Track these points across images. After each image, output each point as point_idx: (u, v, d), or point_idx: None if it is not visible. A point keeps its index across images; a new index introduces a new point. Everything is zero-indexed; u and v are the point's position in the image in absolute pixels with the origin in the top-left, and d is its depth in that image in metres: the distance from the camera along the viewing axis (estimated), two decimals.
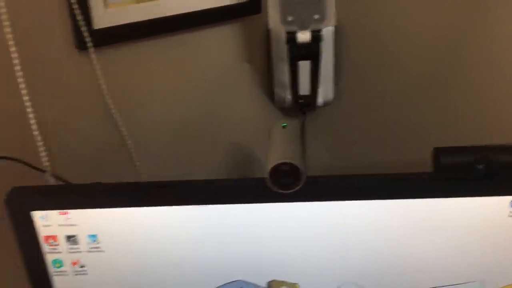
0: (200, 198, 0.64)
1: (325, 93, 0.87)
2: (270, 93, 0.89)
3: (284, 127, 0.67)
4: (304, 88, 0.83)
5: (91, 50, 0.71)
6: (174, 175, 0.84)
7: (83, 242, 0.67)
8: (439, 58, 0.87)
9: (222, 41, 0.84)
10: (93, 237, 0.66)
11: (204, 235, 0.66)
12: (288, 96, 0.86)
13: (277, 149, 0.62)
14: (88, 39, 0.70)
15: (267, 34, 0.83)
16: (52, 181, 0.69)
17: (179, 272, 0.68)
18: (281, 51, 0.80)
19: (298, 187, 0.60)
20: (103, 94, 0.75)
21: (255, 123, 0.90)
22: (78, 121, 0.76)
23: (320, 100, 0.86)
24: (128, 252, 0.67)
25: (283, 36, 0.74)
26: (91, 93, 0.75)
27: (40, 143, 0.66)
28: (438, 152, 0.60)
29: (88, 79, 0.74)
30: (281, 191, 0.60)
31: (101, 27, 0.72)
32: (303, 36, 0.72)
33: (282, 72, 0.84)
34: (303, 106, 0.87)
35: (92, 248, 0.67)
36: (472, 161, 0.58)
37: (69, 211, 0.65)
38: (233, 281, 0.68)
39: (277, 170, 0.59)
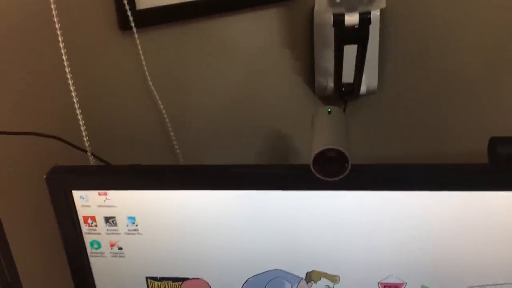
0: (240, 183, 0.62)
1: (368, 81, 0.84)
2: (311, 81, 0.87)
3: (329, 112, 0.64)
4: (348, 75, 0.80)
5: (134, 30, 0.70)
6: (212, 160, 0.83)
7: (122, 224, 0.66)
8: (492, 47, 0.82)
9: (264, 25, 0.82)
10: (132, 219, 0.66)
11: (243, 222, 0.64)
12: (330, 83, 0.83)
13: (322, 134, 0.60)
14: (131, 19, 0.69)
15: (311, 18, 0.80)
16: (92, 161, 0.69)
17: (216, 258, 0.67)
18: (326, 35, 0.78)
19: (344, 174, 0.57)
20: (144, 75, 0.74)
21: (294, 111, 0.88)
22: (120, 102, 0.75)
23: (363, 88, 0.83)
24: (166, 235, 0.66)
25: (329, 19, 0.71)
26: (133, 74, 0.74)
27: (82, 123, 0.65)
28: (495, 142, 0.56)
29: (130, 59, 0.73)
30: (325, 178, 0.58)
31: (144, 7, 0.71)
32: (351, 19, 0.69)
33: (325, 58, 0.81)
34: (346, 94, 0.83)
35: (130, 230, 0.66)
36: None
37: (108, 192, 0.65)
38: (270, 270, 0.67)
39: (322, 156, 0.56)
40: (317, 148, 0.56)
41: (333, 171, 0.57)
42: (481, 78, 0.84)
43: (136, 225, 0.66)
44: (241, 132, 0.87)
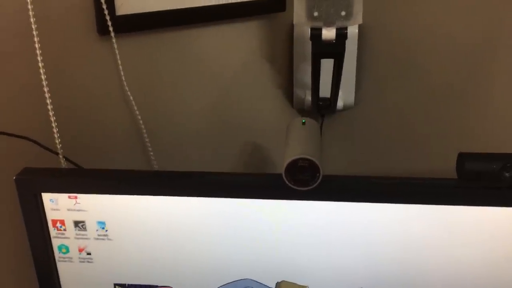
0: (212, 190, 0.62)
1: (345, 96, 0.85)
2: (289, 94, 0.88)
3: (304, 123, 0.65)
4: (325, 89, 0.81)
5: (112, 35, 0.70)
6: (187, 169, 0.83)
7: (91, 229, 0.65)
8: (467, 66, 0.84)
9: (245, 38, 0.82)
10: (102, 224, 0.65)
11: (213, 230, 0.64)
12: (308, 97, 0.84)
13: (295, 144, 0.60)
14: (110, 24, 0.69)
15: (291, 31, 0.81)
16: (64, 164, 0.68)
17: (186, 266, 0.66)
18: (304, 48, 0.79)
19: (315, 184, 0.58)
20: (121, 80, 0.74)
21: (272, 123, 0.89)
22: (95, 106, 0.75)
23: (340, 103, 0.85)
24: (136, 242, 0.65)
25: (307, 33, 0.72)
26: (109, 78, 0.74)
27: (54, 124, 0.65)
28: (463, 158, 0.57)
29: (107, 64, 0.73)
30: (297, 187, 0.58)
31: (124, 13, 0.71)
32: (328, 33, 0.71)
33: (304, 72, 0.82)
34: (323, 108, 0.85)
35: (100, 235, 0.66)
36: (499, 168, 0.56)
37: (78, 195, 0.64)
38: (240, 280, 0.66)
39: (294, 165, 0.57)
40: (290, 157, 0.57)
41: (304, 181, 0.58)
42: (458, 95, 0.86)
43: (106, 230, 0.65)
44: (217, 143, 0.87)
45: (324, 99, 0.83)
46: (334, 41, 0.71)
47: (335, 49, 0.72)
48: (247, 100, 0.87)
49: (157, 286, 0.68)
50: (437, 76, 0.86)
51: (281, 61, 0.85)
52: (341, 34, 0.70)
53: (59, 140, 0.66)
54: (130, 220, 0.64)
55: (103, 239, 0.66)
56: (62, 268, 0.68)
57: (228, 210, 0.63)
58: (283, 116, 0.89)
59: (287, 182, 0.58)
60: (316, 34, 0.71)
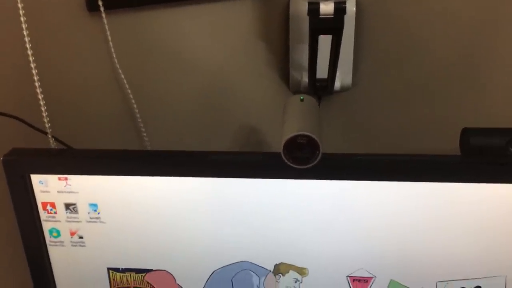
0: (207, 170, 0.60)
1: (342, 77, 0.83)
2: (285, 75, 0.85)
3: (302, 100, 0.63)
4: (322, 69, 0.79)
5: (102, 10, 0.67)
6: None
7: (83, 212, 0.63)
8: (469, 43, 0.82)
9: (238, 16, 0.80)
10: (94, 206, 0.63)
11: (209, 211, 0.62)
12: (304, 78, 0.82)
13: (293, 121, 0.58)
14: (99, 0, 0.67)
15: (286, 9, 0.79)
16: (53, 144, 0.66)
17: (181, 249, 0.64)
18: (300, 27, 0.76)
19: (314, 162, 0.56)
20: (112, 59, 0.71)
21: (267, 105, 0.86)
22: (85, 84, 0.73)
23: (337, 84, 0.82)
24: (130, 224, 0.63)
25: (303, 10, 0.70)
26: (100, 56, 0.72)
27: (42, 103, 0.62)
28: (467, 133, 0.56)
29: (97, 42, 0.71)
30: (295, 166, 0.56)
31: None
32: (326, 8, 0.68)
33: (300, 52, 0.80)
34: (320, 90, 0.82)
35: (92, 218, 0.63)
36: (504, 143, 0.54)
37: (69, 176, 0.62)
38: (237, 262, 0.65)
39: (293, 143, 0.55)
40: (288, 134, 0.55)
41: (303, 159, 0.56)
42: (460, 74, 0.84)
43: (98, 213, 0.63)
44: (212, 125, 0.85)
45: (321, 80, 0.81)
46: (332, 16, 0.69)
47: (334, 25, 0.70)
48: (242, 81, 0.85)
49: (151, 269, 0.66)
50: (438, 54, 0.83)
51: (276, 41, 0.83)
52: (340, 8, 0.68)
53: (48, 119, 0.64)
54: (123, 202, 0.62)
55: (95, 221, 0.64)
56: (54, 252, 0.66)
57: (225, 190, 0.61)
58: (279, 98, 0.86)
59: (285, 160, 0.56)
60: (313, 8, 0.69)
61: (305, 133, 0.54)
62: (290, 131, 0.55)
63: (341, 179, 0.59)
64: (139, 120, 0.75)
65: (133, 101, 0.74)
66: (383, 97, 0.87)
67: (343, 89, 0.84)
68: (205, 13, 0.77)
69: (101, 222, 0.64)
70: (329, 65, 0.77)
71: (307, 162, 0.56)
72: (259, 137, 0.88)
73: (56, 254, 0.66)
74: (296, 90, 0.85)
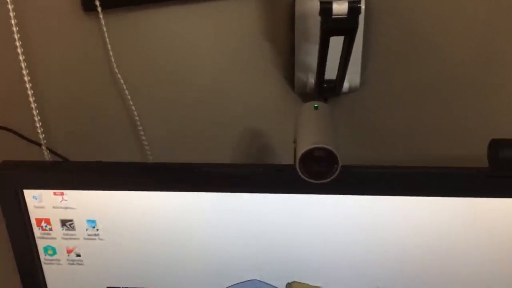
0: (215, 185, 0.56)
1: (350, 77, 0.79)
2: (290, 77, 0.82)
3: (316, 107, 0.59)
4: (331, 70, 0.75)
5: (99, 10, 0.63)
6: (183, 158, 0.77)
7: (81, 228, 0.59)
8: (482, 44, 0.79)
9: (241, 15, 0.76)
10: (92, 222, 0.59)
11: (217, 228, 0.58)
12: (311, 79, 0.78)
13: (309, 132, 0.54)
14: None
15: (291, 8, 0.75)
16: (47, 157, 0.61)
17: (187, 268, 0.61)
18: (307, 26, 0.72)
19: (333, 177, 0.52)
20: (110, 62, 0.67)
21: (271, 107, 0.83)
22: (82, 90, 0.68)
23: (345, 85, 0.79)
24: (131, 242, 0.60)
25: (312, 9, 0.66)
26: (97, 60, 0.67)
27: (35, 112, 0.58)
28: (496, 145, 0.52)
29: (94, 44, 0.66)
30: (312, 180, 0.52)
31: None
32: (340, 8, 0.64)
33: (306, 52, 0.76)
34: (327, 91, 0.79)
35: (90, 235, 0.59)
36: None
37: (65, 191, 0.57)
38: (247, 281, 0.61)
39: (309, 156, 0.51)
40: (304, 147, 0.51)
41: (321, 173, 0.51)
42: (471, 76, 0.81)
43: (97, 230, 0.59)
44: (216, 130, 0.81)
45: (329, 81, 0.77)
46: (346, 16, 0.65)
47: (347, 25, 0.65)
48: (245, 83, 0.81)
49: None
50: (448, 53, 0.80)
51: (282, 40, 0.79)
52: (354, 8, 0.64)
53: (42, 129, 0.59)
54: (123, 218, 0.58)
55: (93, 239, 0.59)
56: (49, 271, 0.62)
57: (234, 206, 0.57)
58: (283, 101, 0.83)
59: (301, 175, 0.52)
60: (326, 8, 0.64)
61: (323, 146, 0.50)
62: (306, 144, 0.51)
63: (360, 194, 0.55)
64: (139, 126, 0.71)
65: (133, 107, 0.70)
66: (391, 97, 0.84)
67: (351, 90, 0.80)
68: (207, 12, 0.74)
69: (100, 239, 0.59)
70: (339, 67, 0.73)
71: (324, 177, 0.52)
72: (263, 140, 0.85)
73: (52, 273, 0.62)
74: (301, 91, 0.81)
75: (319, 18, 0.64)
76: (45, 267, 0.62)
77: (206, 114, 0.80)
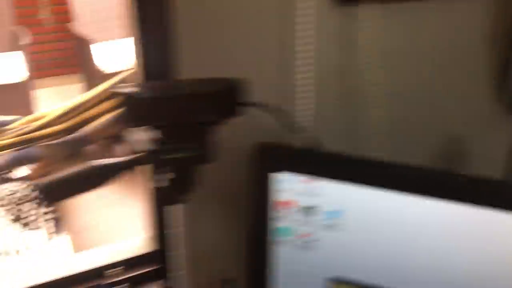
0: (469, 196, 0.54)
1: None
2: (502, 86, 0.76)
3: None
4: None
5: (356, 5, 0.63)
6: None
7: (322, 216, 0.60)
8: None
9: (468, 16, 0.73)
10: (336, 213, 0.59)
11: (457, 239, 0.55)
12: None
13: None
14: None
15: None
16: (301, 143, 0.62)
17: (417, 274, 0.58)
18: None
19: None
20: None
21: (476, 116, 0.79)
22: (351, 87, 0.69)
23: None
24: (372, 239, 0.59)
25: None
26: (350, 49, 0.67)
27: (303, 95, 0.58)
28: None
29: (345, 37, 0.66)
30: None
31: None
32: None
33: None
34: None
35: (330, 224, 0.60)
36: None
37: (314, 179, 0.58)
38: None
39: None
40: None
41: None
42: None
43: (340, 221, 0.59)
44: (418, 133, 0.79)
45: None
46: None
47: None
48: (455, 87, 0.77)
49: (382, 287, 0.61)
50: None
51: (502, 46, 0.74)
52: None
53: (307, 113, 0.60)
54: (369, 215, 0.58)
55: (333, 228, 0.60)
56: (279, 250, 0.63)
57: (481, 221, 0.54)
58: (491, 110, 0.78)
59: None
60: None
61: None
62: None
63: None
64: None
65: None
66: None
67: None
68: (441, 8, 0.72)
69: (339, 230, 0.59)
70: None
71: None
72: (464, 145, 0.81)
73: (283, 252, 0.63)
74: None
75: None
76: (276, 246, 0.63)
77: (409, 110, 0.77)
